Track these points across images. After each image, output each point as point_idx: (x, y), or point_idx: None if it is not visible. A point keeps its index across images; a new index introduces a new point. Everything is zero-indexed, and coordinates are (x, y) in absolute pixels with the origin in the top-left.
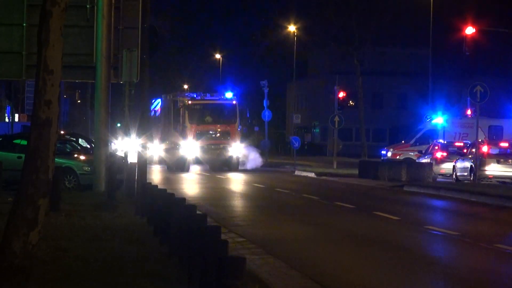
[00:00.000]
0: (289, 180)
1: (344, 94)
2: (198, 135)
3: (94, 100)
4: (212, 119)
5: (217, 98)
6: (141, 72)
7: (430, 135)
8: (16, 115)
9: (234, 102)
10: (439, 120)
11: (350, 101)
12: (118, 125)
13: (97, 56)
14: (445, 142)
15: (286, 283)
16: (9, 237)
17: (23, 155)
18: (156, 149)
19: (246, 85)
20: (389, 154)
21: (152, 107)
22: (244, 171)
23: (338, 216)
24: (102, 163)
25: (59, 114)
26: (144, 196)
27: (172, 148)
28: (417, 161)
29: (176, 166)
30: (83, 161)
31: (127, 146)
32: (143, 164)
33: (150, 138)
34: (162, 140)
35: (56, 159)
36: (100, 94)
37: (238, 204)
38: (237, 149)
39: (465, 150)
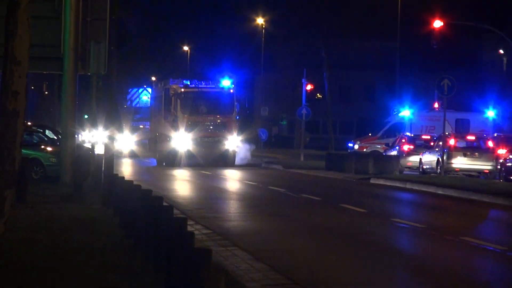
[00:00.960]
0: (256, 173)
1: (312, 87)
2: (191, 127)
3: (62, 91)
4: (207, 109)
5: (213, 86)
6: (109, 64)
7: (397, 128)
8: None
9: (231, 90)
10: (406, 113)
11: (318, 94)
12: (86, 116)
13: (64, 47)
14: (412, 135)
15: (253, 276)
16: None
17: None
18: (127, 141)
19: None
20: (356, 146)
21: (129, 96)
22: (240, 167)
23: (305, 209)
24: (69, 155)
25: (26, 106)
26: (111, 188)
27: (162, 141)
28: (384, 154)
29: (166, 161)
30: (50, 152)
31: (94, 137)
32: (110, 156)
33: (120, 129)
34: (152, 131)
35: (22, 150)
36: (68, 86)
37: (204, 195)
38: (234, 142)
39: (432, 143)
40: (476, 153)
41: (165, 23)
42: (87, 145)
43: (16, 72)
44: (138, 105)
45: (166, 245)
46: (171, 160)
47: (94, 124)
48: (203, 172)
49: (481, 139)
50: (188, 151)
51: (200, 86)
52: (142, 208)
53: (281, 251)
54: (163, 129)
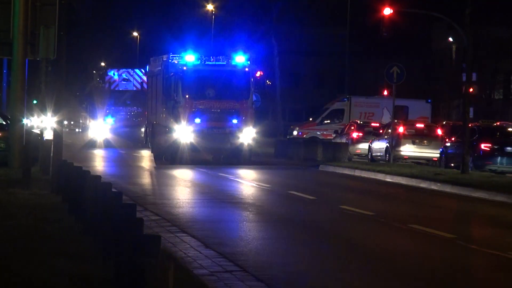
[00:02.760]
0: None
1: (261, 73)
2: (196, 114)
3: (11, 76)
4: (216, 93)
5: (224, 63)
6: (58, 49)
7: (336, 114)
8: None
9: (247, 69)
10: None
11: (267, 81)
12: (35, 102)
13: (14, 32)
14: (361, 122)
15: (202, 262)
16: None
17: None
18: (101, 129)
19: None
20: (295, 133)
21: (107, 78)
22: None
23: (254, 196)
24: (17, 140)
25: None
26: (60, 174)
27: (160, 132)
28: (333, 140)
29: (165, 156)
30: (0, 137)
31: (43, 123)
32: (59, 142)
33: (77, 116)
34: (148, 119)
35: None
36: (17, 71)
37: (150, 182)
38: (250, 134)
39: (381, 131)
40: (425, 141)
41: (114, 8)
42: (36, 130)
43: None
44: (118, 88)
45: (115, 231)
46: (171, 156)
47: (43, 110)
48: (219, 173)
49: (429, 126)
50: (192, 144)
51: (207, 63)
52: (91, 195)
53: (230, 238)
54: (161, 117)
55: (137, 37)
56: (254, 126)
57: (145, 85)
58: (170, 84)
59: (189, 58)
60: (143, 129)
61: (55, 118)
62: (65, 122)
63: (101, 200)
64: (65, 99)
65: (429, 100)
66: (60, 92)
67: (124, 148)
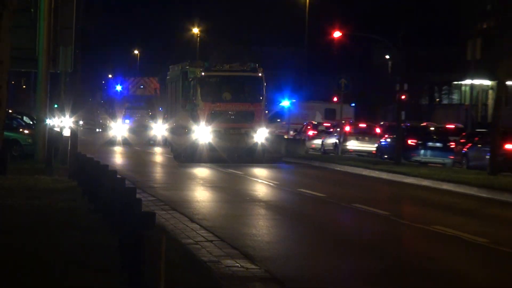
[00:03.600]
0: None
1: None
2: (213, 116)
3: (37, 85)
4: (232, 96)
5: (239, 69)
6: (74, 64)
7: (278, 115)
8: None
9: (260, 74)
10: (285, 103)
11: None
12: (56, 106)
13: (39, 50)
14: (316, 122)
15: (188, 234)
16: None
17: None
18: (120, 128)
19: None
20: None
21: (126, 85)
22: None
23: (229, 181)
24: (41, 137)
25: (7, 97)
26: (75, 164)
27: (179, 132)
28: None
29: (184, 155)
30: (27, 134)
31: (62, 123)
32: (75, 138)
33: (114, 117)
34: (167, 120)
35: (5, 133)
36: (41, 81)
37: (148, 170)
38: (263, 135)
39: (331, 129)
40: (366, 138)
41: (119, 30)
42: (57, 129)
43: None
44: (135, 94)
45: (120, 209)
46: (190, 155)
47: (62, 112)
48: (231, 171)
49: (370, 126)
50: (210, 144)
51: (224, 69)
52: (101, 180)
53: (210, 214)
54: (180, 119)
55: (137, 55)
56: (267, 127)
57: (157, 91)
58: (189, 89)
59: (207, 64)
60: (153, 130)
61: (72, 119)
62: (80, 122)
63: (109, 185)
64: (79, 104)
65: (352, 104)
66: (75, 98)
67: (139, 146)
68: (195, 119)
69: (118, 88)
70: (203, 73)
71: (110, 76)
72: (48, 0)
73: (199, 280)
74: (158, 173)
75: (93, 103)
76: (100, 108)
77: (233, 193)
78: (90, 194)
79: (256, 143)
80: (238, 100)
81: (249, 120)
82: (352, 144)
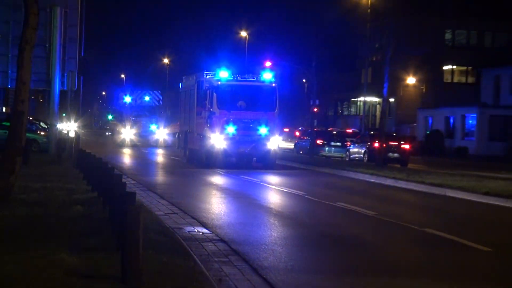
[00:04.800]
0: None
1: None
2: (229, 123)
3: (50, 99)
4: (247, 104)
5: (253, 79)
6: (77, 84)
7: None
8: (4, 108)
9: (273, 84)
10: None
11: None
12: (64, 114)
13: (52, 74)
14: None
15: (159, 208)
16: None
17: (6, 131)
18: (128, 133)
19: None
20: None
21: (134, 97)
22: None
23: (189, 171)
24: (53, 137)
25: (28, 108)
26: (78, 157)
27: (194, 138)
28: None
29: (199, 160)
30: (43, 135)
31: (69, 127)
32: (78, 137)
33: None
34: (181, 128)
35: (26, 134)
36: (53, 96)
37: (141, 166)
38: (276, 142)
39: (304, 137)
40: (288, 138)
41: (112, 59)
42: (64, 131)
43: (23, 88)
44: (141, 104)
45: (110, 189)
46: (204, 161)
47: (68, 119)
48: (246, 178)
49: (291, 130)
50: (225, 150)
51: (239, 78)
52: (96, 168)
53: (177, 194)
54: (195, 126)
55: (123, 78)
56: (279, 135)
57: (161, 102)
58: (205, 97)
59: (223, 74)
60: (156, 134)
61: (76, 124)
62: (77, 128)
63: (101, 171)
64: (80, 113)
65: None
66: (78, 109)
67: (144, 147)
68: (211, 126)
69: (127, 99)
70: (219, 82)
71: (103, 93)
72: (58, 38)
73: (166, 240)
74: (143, 166)
75: (102, 111)
76: (111, 114)
77: (198, 180)
78: (89, 178)
79: (269, 150)
80: (253, 108)
81: (262, 127)
82: (325, 150)
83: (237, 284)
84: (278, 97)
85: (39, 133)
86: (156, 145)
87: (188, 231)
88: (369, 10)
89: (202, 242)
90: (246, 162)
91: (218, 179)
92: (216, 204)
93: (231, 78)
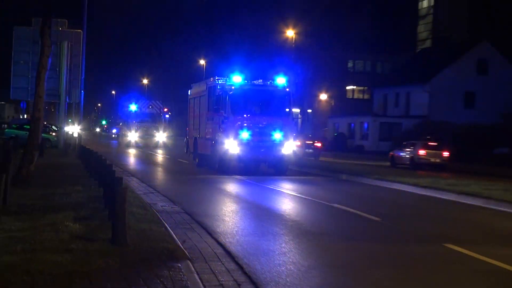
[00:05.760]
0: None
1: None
2: (244, 128)
3: (59, 109)
4: (260, 109)
5: (267, 84)
6: (80, 98)
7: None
8: (25, 115)
9: (287, 89)
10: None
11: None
12: (69, 120)
13: (60, 90)
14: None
15: (140, 189)
16: (21, 168)
17: (27, 132)
18: (132, 136)
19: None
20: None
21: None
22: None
23: (152, 159)
24: (62, 136)
25: (43, 115)
26: (80, 151)
27: (204, 144)
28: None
29: (212, 165)
30: (54, 135)
31: (73, 129)
32: (80, 137)
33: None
34: (189, 134)
35: (42, 134)
36: (62, 106)
37: (136, 162)
38: (290, 147)
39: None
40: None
41: (108, 75)
42: (70, 132)
43: (39, 101)
44: (145, 112)
45: (104, 175)
46: (217, 166)
47: (73, 123)
48: (267, 186)
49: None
50: (239, 155)
51: (252, 83)
52: (93, 159)
53: (154, 180)
54: (206, 131)
55: (114, 94)
56: (294, 139)
57: (162, 110)
58: (218, 102)
59: (237, 79)
60: (156, 137)
61: (78, 127)
62: (80, 130)
63: (97, 162)
64: (81, 119)
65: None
66: (79, 115)
67: (146, 148)
68: (225, 131)
69: (133, 107)
70: (232, 87)
71: (99, 104)
72: (65, 64)
73: (145, 212)
74: (135, 162)
75: (114, 118)
76: (118, 120)
77: (165, 168)
78: (88, 167)
79: (283, 155)
80: (266, 113)
81: (276, 132)
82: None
83: (196, 244)
84: (292, 101)
85: (51, 134)
86: (156, 146)
87: (161, 206)
88: (293, 45)
89: (171, 214)
90: (260, 167)
91: (233, 187)
92: (195, 194)
93: (245, 83)
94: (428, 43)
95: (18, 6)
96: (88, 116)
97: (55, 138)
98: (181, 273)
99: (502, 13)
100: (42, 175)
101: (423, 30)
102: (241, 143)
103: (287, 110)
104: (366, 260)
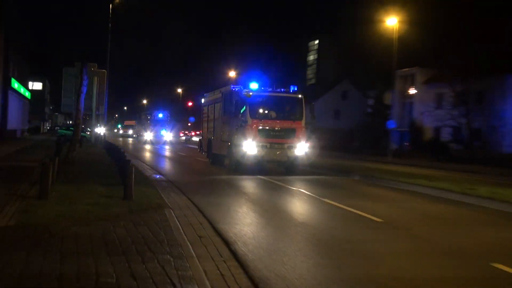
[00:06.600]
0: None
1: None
2: (260, 132)
3: (92, 117)
4: (277, 114)
5: (282, 91)
6: (104, 110)
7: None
8: (71, 121)
9: (300, 96)
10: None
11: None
12: (98, 125)
13: (92, 106)
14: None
15: (147, 171)
16: (67, 154)
17: (71, 132)
18: (148, 135)
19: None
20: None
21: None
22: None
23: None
24: (93, 135)
25: (81, 121)
26: (105, 143)
27: (220, 146)
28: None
29: (230, 165)
30: (88, 134)
31: (100, 130)
32: (105, 135)
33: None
34: (203, 136)
35: (81, 133)
36: (93, 116)
37: (145, 154)
38: (303, 150)
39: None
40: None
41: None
42: (98, 132)
43: (78, 112)
44: (156, 118)
45: (120, 160)
46: (236, 165)
47: (100, 126)
48: (284, 185)
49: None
50: (256, 157)
51: (269, 90)
52: (113, 149)
53: (160, 166)
54: (221, 133)
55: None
56: (306, 142)
57: (169, 117)
58: (236, 107)
59: (254, 86)
60: (165, 137)
61: (104, 129)
62: (105, 131)
63: (116, 151)
64: (106, 123)
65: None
66: (104, 121)
67: (157, 145)
68: (243, 134)
69: (148, 116)
70: (251, 93)
71: (116, 115)
72: (95, 90)
73: (143, 179)
74: (144, 153)
75: (115, 124)
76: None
77: (161, 155)
78: (110, 154)
79: (297, 157)
80: (282, 118)
81: (292, 136)
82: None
83: (175, 199)
84: (306, 107)
85: (87, 133)
86: (164, 143)
87: (154, 177)
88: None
89: (160, 182)
90: (277, 168)
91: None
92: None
93: (262, 90)
94: (313, 81)
95: (67, 55)
96: (109, 122)
97: (89, 136)
98: (166, 216)
99: (352, 62)
100: (81, 159)
101: (310, 73)
102: (259, 145)
103: (300, 114)
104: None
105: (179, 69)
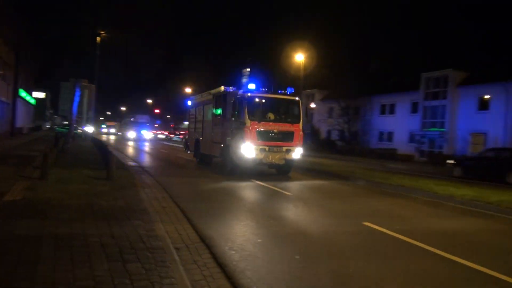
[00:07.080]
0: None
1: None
2: (259, 134)
3: (82, 119)
4: (275, 116)
5: (279, 93)
6: (92, 114)
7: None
8: (65, 122)
9: (297, 99)
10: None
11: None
12: (87, 124)
13: (83, 111)
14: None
15: (130, 163)
16: (63, 146)
17: (66, 129)
18: (130, 133)
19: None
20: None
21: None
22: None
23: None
24: (83, 132)
25: (74, 121)
26: (92, 139)
27: (208, 146)
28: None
29: (226, 169)
30: (80, 131)
31: (89, 129)
32: (94, 133)
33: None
34: (190, 136)
35: (73, 131)
36: (83, 118)
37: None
38: (299, 152)
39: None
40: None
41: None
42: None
43: (72, 115)
44: (138, 120)
45: (105, 154)
46: (228, 170)
47: (89, 126)
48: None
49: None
50: (254, 159)
51: (266, 92)
52: (99, 143)
53: (141, 160)
54: (211, 135)
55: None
56: (301, 146)
57: (147, 120)
58: (230, 109)
59: (252, 86)
60: (145, 135)
61: (92, 128)
62: (93, 129)
63: (101, 145)
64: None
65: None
66: (92, 122)
67: (138, 141)
68: (241, 136)
69: (132, 119)
70: (249, 94)
71: (101, 118)
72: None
73: (121, 165)
74: (125, 148)
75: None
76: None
77: (156, 156)
78: (98, 148)
79: (293, 160)
80: (280, 120)
81: (289, 139)
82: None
83: (145, 180)
84: (302, 110)
85: (79, 131)
86: (144, 141)
87: (129, 163)
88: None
89: (134, 167)
90: (273, 171)
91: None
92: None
93: (259, 91)
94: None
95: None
96: (97, 122)
97: (81, 133)
98: (138, 192)
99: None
100: (73, 150)
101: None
102: (258, 148)
103: (298, 117)
104: None
105: (150, 85)
